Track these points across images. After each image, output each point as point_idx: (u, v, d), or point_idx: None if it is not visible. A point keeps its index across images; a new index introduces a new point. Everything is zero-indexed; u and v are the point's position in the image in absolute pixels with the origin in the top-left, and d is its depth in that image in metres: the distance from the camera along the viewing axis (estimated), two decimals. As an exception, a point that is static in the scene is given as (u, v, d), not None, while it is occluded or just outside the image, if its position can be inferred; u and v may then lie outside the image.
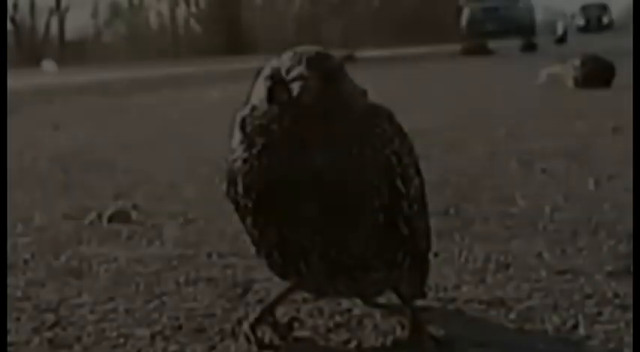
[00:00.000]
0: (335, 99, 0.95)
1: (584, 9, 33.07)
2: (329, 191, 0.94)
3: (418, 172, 1.03)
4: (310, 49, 0.97)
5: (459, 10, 22.45)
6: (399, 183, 0.98)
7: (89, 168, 2.83)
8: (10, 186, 2.42)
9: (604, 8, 32.86)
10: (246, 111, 0.99)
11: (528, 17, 21.70)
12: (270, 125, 0.95)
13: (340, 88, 0.96)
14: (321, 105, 0.94)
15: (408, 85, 6.55)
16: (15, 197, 2.28)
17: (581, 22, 32.06)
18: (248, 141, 0.97)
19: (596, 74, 5.34)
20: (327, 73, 0.94)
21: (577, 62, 5.42)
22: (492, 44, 14.60)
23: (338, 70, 0.96)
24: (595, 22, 31.77)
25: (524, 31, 19.08)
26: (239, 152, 0.98)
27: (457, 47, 14.65)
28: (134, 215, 1.96)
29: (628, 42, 9.11)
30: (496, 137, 3.18)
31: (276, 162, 0.95)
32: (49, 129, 4.23)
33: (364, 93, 1.01)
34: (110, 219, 1.92)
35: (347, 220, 0.97)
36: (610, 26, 31.64)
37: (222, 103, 4.20)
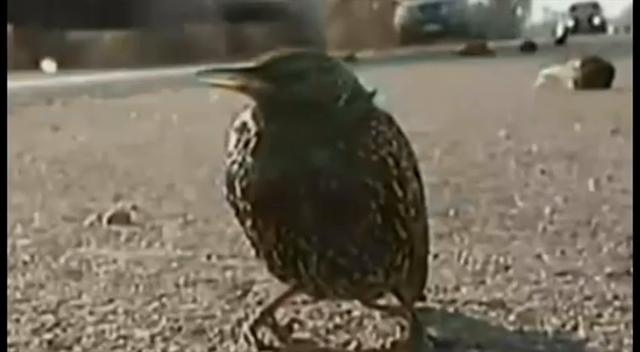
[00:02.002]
0: (306, 98, 0.96)
1: (574, 9, 30.81)
2: (324, 191, 0.95)
3: (417, 176, 1.03)
4: (284, 51, 0.99)
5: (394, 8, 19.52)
6: (395, 185, 0.98)
7: (89, 169, 2.83)
8: (9, 188, 2.42)
9: (595, 7, 30.60)
10: (243, 113, 1.00)
11: (479, 16, 18.86)
12: (258, 126, 0.97)
13: (309, 88, 0.96)
14: (285, 104, 0.96)
15: (408, 86, 6.55)
16: (14, 198, 2.28)
17: (569, 23, 29.86)
18: (243, 143, 0.98)
19: (596, 75, 5.34)
20: (280, 74, 0.96)
21: (576, 63, 5.43)
22: (492, 45, 14.62)
23: (303, 71, 0.97)
24: (586, 23, 29.67)
25: (474, 33, 16.59)
26: (235, 155, 0.99)
27: (457, 48, 14.66)
28: (133, 216, 1.96)
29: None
30: (496, 138, 3.18)
31: (271, 164, 0.96)
32: (48, 131, 4.23)
33: (370, 95, 1.02)
34: (110, 221, 1.91)
35: (342, 220, 0.97)
36: (602, 27, 29.75)
37: (221, 104, 4.21)
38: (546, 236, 1.66)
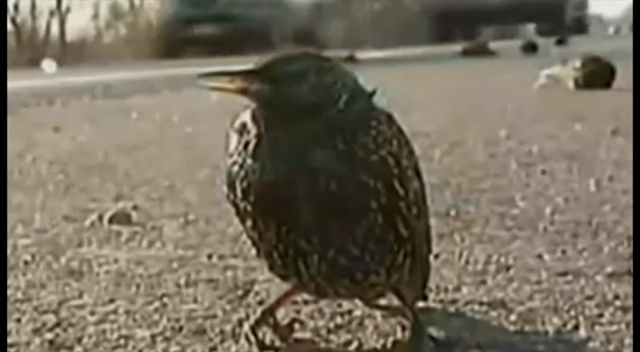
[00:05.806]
0: (306, 99, 0.96)
1: None
2: (324, 192, 0.95)
3: (418, 175, 1.03)
4: (284, 53, 0.99)
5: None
6: (396, 184, 0.98)
7: (89, 169, 2.83)
8: (10, 188, 2.42)
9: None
10: (243, 113, 1.00)
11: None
12: (258, 128, 0.97)
13: (308, 89, 0.97)
14: (285, 106, 0.96)
15: (408, 86, 6.55)
16: (15, 198, 2.28)
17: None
18: (243, 145, 0.98)
19: (596, 75, 5.34)
20: (279, 76, 0.96)
21: (577, 63, 5.43)
22: (493, 45, 14.65)
23: (302, 72, 0.97)
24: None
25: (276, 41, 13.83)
26: (235, 157, 0.99)
27: (458, 48, 14.70)
28: (134, 216, 1.96)
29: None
30: (496, 138, 3.18)
31: (271, 165, 0.96)
32: (49, 131, 4.23)
33: (370, 95, 1.02)
34: (110, 221, 1.91)
35: (343, 221, 0.97)
36: (580, 28, 27.95)
37: (222, 104, 4.21)
38: (547, 236, 1.66)
